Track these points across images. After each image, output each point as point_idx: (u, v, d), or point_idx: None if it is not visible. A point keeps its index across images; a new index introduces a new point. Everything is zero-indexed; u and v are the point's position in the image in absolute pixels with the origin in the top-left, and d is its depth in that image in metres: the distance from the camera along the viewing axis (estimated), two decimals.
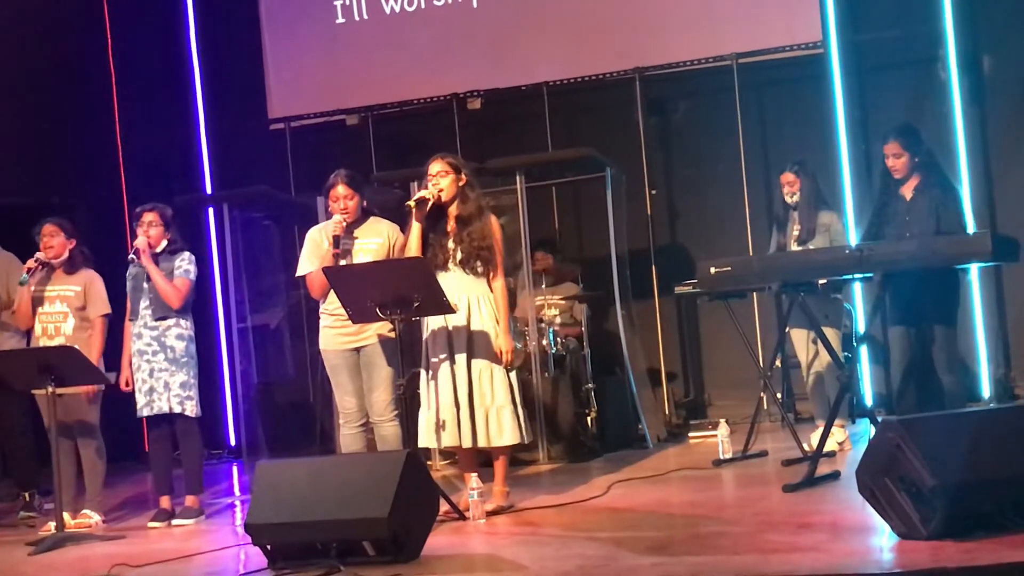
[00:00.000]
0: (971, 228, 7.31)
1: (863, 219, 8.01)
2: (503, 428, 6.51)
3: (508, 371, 6.56)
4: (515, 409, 6.55)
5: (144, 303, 7.22)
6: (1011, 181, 9.37)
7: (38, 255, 7.38)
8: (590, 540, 5.66)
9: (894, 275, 6.52)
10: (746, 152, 9.95)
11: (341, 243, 6.74)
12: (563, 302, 9.33)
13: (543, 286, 9.21)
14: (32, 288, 7.41)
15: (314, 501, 5.48)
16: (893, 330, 7.25)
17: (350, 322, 6.64)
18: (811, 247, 7.72)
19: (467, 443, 6.48)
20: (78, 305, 7.41)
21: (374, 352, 6.77)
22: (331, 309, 6.77)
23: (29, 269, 7.34)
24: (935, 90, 9.31)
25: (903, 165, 7.09)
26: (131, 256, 7.26)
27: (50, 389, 6.78)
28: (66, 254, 7.46)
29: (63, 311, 7.41)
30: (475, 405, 6.48)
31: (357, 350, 6.81)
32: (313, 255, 6.85)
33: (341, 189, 6.80)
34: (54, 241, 7.42)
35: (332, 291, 6.64)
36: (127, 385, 7.28)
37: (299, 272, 6.95)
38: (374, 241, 6.84)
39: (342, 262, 6.71)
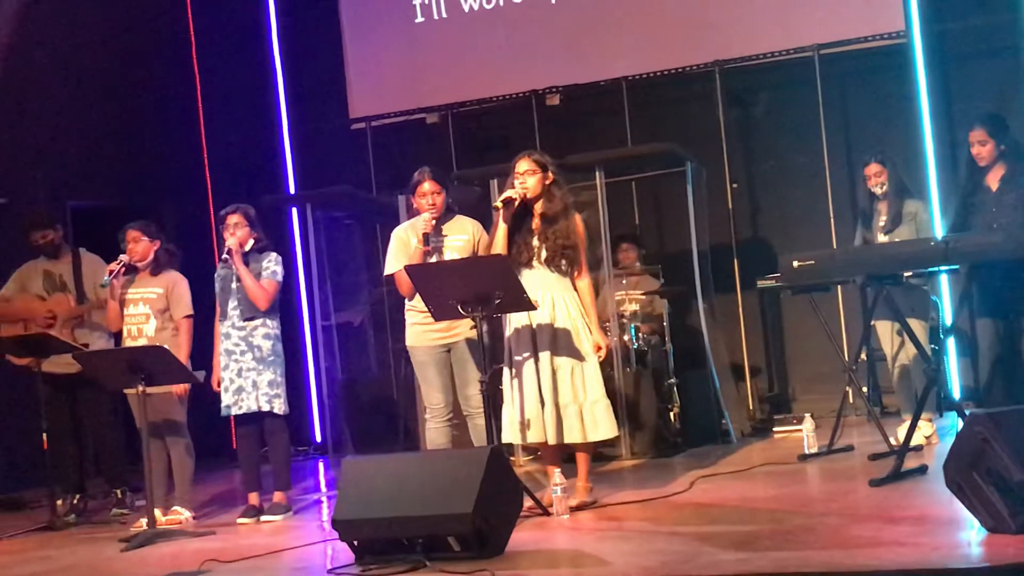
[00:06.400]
0: None
1: (948, 210, 7.90)
2: (598, 422, 6.52)
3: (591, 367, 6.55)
4: (608, 403, 6.56)
5: (232, 304, 7.31)
6: None
7: (122, 257, 7.45)
8: (674, 536, 5.65)
9: (981, 267, 6.43)
10: (828, 144, 9.86)
11: (431, 241, 6.78)
12: (643, 297, 9.31)
13: (623, 280, 9.21)
14: (119, 290, 7.51)
15: (400, 497, 5.52)
16: (981, 322, 7.17)
17: None
18: (897, 237, 7.64)
19: (552, 439, 6.49)
20: (160, 307, 7.49)
21: (466, 349, 6.81)
22: (420, 307, 6.77)
23: (111, 271, 7.41)
24: (1020, 79, 9.17)
25: (988, 153, 7.00)
26: (224, 257, 7.34)
27: (140, 388, 6.86)
28: (151, 256, 7.55)
29: (145, 312, 7.48)
30: (560, 402, 6.48)
31: (447, 347, 6.85)
32: (401, 254, 6.88)
33: (428, 185, 6.83)
34: (138, 246, 7.50)
35: None
36: (219, 385, 7.36)
37: (387, 271, 6.98)
38: (461, 238, 6.88)
39: (432, 259, 6.75)
